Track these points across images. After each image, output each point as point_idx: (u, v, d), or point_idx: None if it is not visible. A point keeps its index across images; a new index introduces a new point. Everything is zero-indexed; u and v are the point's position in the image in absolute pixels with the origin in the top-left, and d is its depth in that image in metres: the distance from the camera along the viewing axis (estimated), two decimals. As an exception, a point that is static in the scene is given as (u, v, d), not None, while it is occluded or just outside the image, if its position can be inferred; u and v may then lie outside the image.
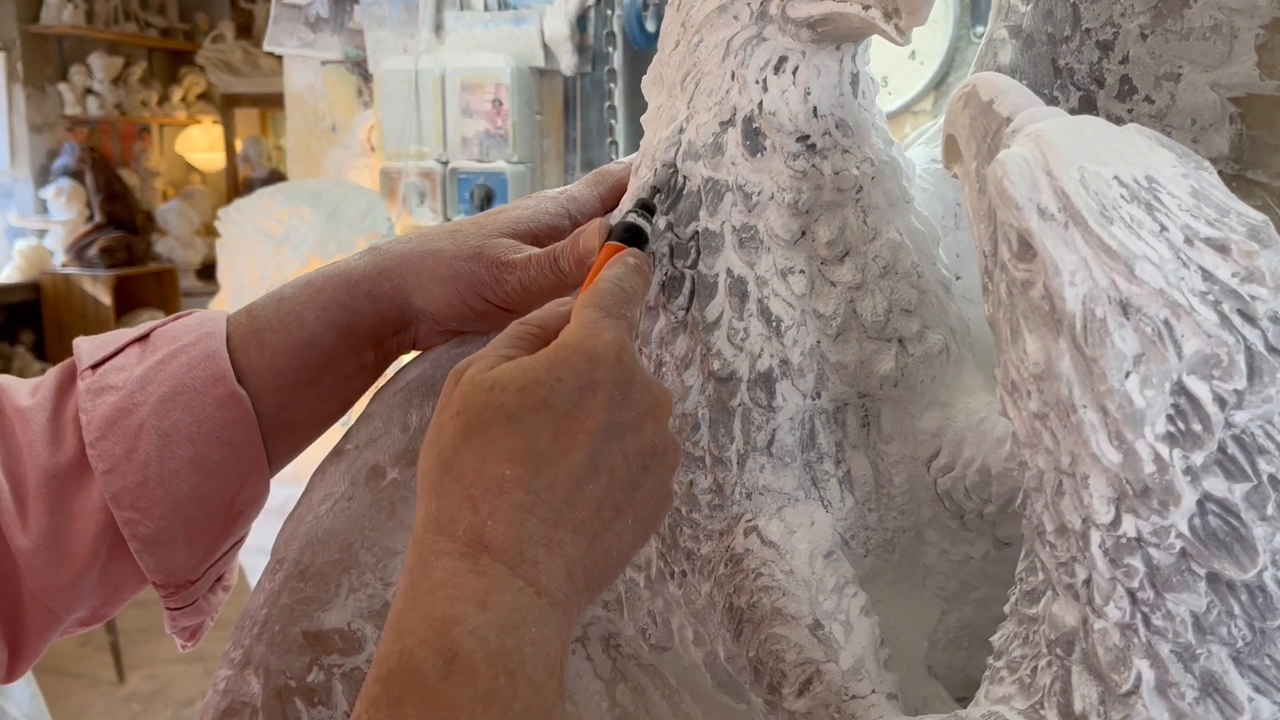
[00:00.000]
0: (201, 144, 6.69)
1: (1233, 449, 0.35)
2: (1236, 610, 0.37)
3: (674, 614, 0.61)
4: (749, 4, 0.53)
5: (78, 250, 5.70)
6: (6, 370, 5.48)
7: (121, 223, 5.83)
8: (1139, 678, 0.38)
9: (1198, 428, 0.35)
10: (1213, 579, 0.36)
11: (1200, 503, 0.36)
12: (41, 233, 5.87)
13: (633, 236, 0.53)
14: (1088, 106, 0.63)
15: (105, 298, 5.62)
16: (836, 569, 0.51)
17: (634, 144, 1.85)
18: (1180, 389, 0.35)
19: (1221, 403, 0.35)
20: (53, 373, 0.59)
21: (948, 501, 0.54)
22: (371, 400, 0.62)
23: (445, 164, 2.03)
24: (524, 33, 1.95)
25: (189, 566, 0.60)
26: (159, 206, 6.32)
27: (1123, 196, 0.36)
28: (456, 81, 1.98)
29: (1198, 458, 0.35)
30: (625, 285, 0.50)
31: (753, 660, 0.51)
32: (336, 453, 0.62)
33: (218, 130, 6.71)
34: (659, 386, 0.47)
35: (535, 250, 0.59)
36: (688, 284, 0.55)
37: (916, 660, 0.56)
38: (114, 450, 0.57)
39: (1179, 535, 0.36)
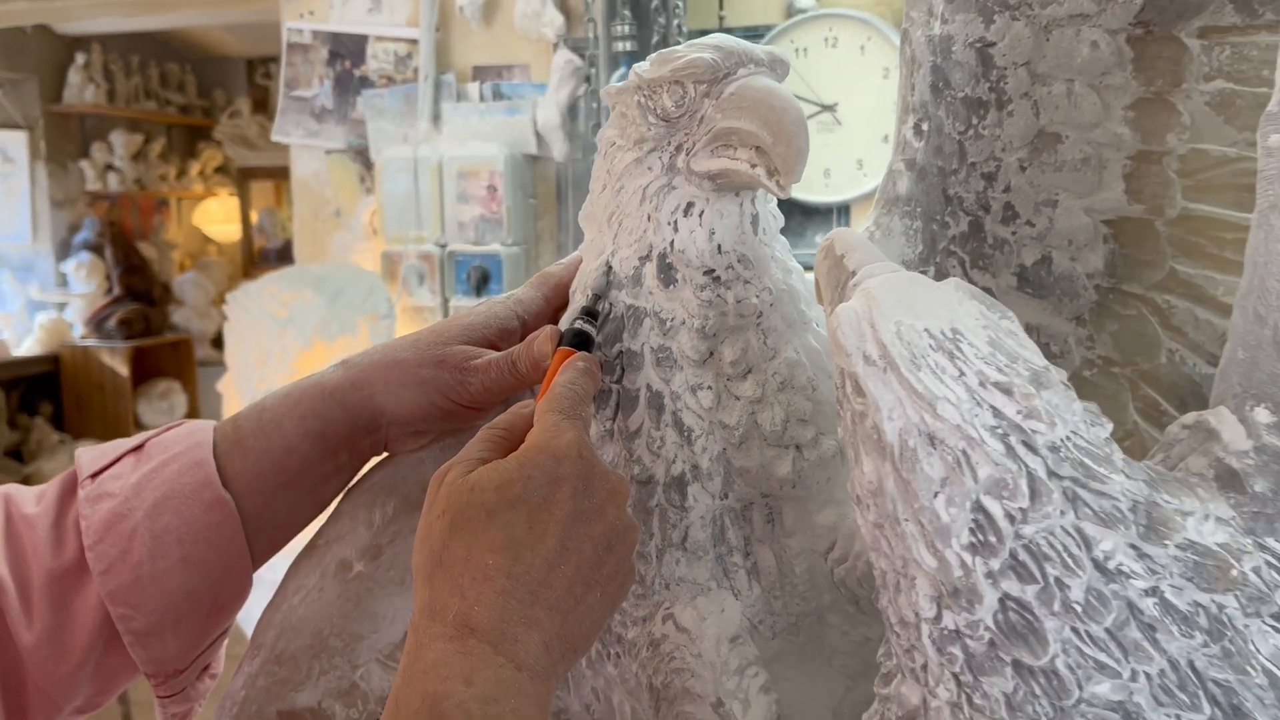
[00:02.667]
0: (218, 216, 6.84)
1: (1023, 556, 0.42)
2: (1038, 691, 0.43)
3: (614, 692, 0.67)
4: (660, 158, 0.61)
5: (97, 322, 5.82)
6: (25, 441, 5.58)
7: (139, 295, 5.95)
8: (963, 748, 0.45)
9: (993, 539, 0.42)
10: (1017, 665, 0.43)
11: (1001, 600, 0.43)
12: (61, 306, 5.99)
13: (581, 341, 0.61)
14: (976, 229, 0.71)
15: (123, 369, 5.73)
16: (740, 652, 0.58)
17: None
18: (978, 507, 0.42)
19: (1011, 518, 0.42)
20: (56, 481, 0.67)
21: (843, 589, 0.61)
22: (341, 500, 0.70)
23: (443, 247, 2.12)
24: (517, 122, 2.05)
25: (177, 657, 0.66)
26: (176, 278, 6.46)
27: (930, 346, 0.44)
28: (453, 169, 2.08)
29: (995, 564, 0.43)
30: (578, 388, 0.58)
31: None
32: (310, 548, 0.69)
33: (234, 202, 6.87)
34: (616, 476, 0.55)
35: (493, 354, 0.67)
36: (614, 398, 0.63)
37: (823, 731, 0.63)
38: (110, 552, 0.64)
39: (986, 628, 0.43)
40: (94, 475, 0.66)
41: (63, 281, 6.02)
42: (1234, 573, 0.43)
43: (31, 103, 6.03)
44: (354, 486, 0.70)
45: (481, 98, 2.12)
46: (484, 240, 2.10)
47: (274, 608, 0.68)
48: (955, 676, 0.45)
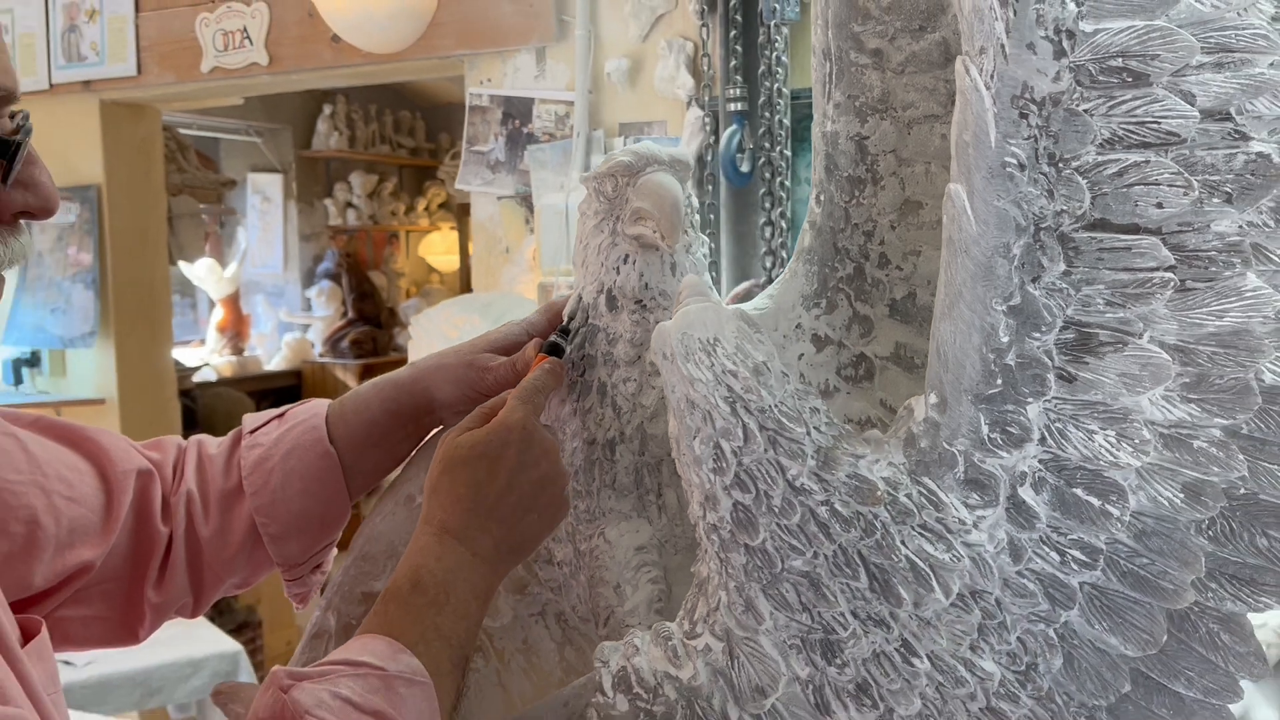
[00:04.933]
0: (440, 248, 7.49)
1: (743, 476, 0.69)
2: (759, 563, 0.70)
3: (589, 594, 0.96)
4: (608, 224, 0.90)
5: (333, 342, 6.53)
6: (271, 446, 6.32)
7: (369, 318, 6.64)
8: (720, 600, 0.72)
9: (724, 465, 0.69)
10: (746, 546, 0.70)
11: (733, 505, 0.70)
12: (305, 327, 6.74)
13: (554, 350, 0.91)
14: (859, 273, 0.96)
15: (353, 383, 6.39)
16: (641, 556, 0.86)
17: (733, 260, 2.20)
18: (716, 446, 0.69)
19: (734, 453, 0.69)
20: (230, 435, 1.02)
21: (722, 521, 0.88)
22: (411, 456, 1.02)
23: (589, 278, 2.46)
24: (654, 170, 2.36)
25: (298, 554, 0.99)
26: (402, 303, 7.13)
27: (698, 347, 0.71)
28: (599, 212, 2.41)
29: (727, 480, 0.69)
30: (537, 382, 0.87)
31: (591, 609, 0.87)
32: (391, 486, 1.02)
33: (454, 235, 7.51)
34: (550, 440, 0.84)
35: (504, 359, 0.98)
36: (578, 387, 0.92)
37: (714, 623, 0.89)
38: (257, 482, 0.98)
39: (726, 522, 0.70)
40: (251, 431, 1.01)
41: (307, 306, 6.76)
42: (880, 493, 0.68)
43: (286, 149, 6.83)
44: (419, 449, 1.02)
45: (625, 150, 2.44)
46: (623, 273, 2.43)
47: (365, 524, 1.01)
48: (716, 554, 0.72)
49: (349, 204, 7.05)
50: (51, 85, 3.21)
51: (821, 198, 0.96)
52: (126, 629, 0.96)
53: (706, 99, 2.20)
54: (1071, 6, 0.65)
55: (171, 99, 3.46)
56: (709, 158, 2.27)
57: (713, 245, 2.16)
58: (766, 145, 2.09)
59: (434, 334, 2.37)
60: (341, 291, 6.69)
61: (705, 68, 2.19)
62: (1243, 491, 0.70)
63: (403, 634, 0.73)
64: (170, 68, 3.03)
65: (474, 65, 2.66)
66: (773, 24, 2.02)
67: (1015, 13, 0.65)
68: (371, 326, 6.60)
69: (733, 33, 2.10)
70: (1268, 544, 0.70)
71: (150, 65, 3.06)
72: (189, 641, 2.24)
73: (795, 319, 0.96)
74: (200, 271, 6.05)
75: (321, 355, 6.54)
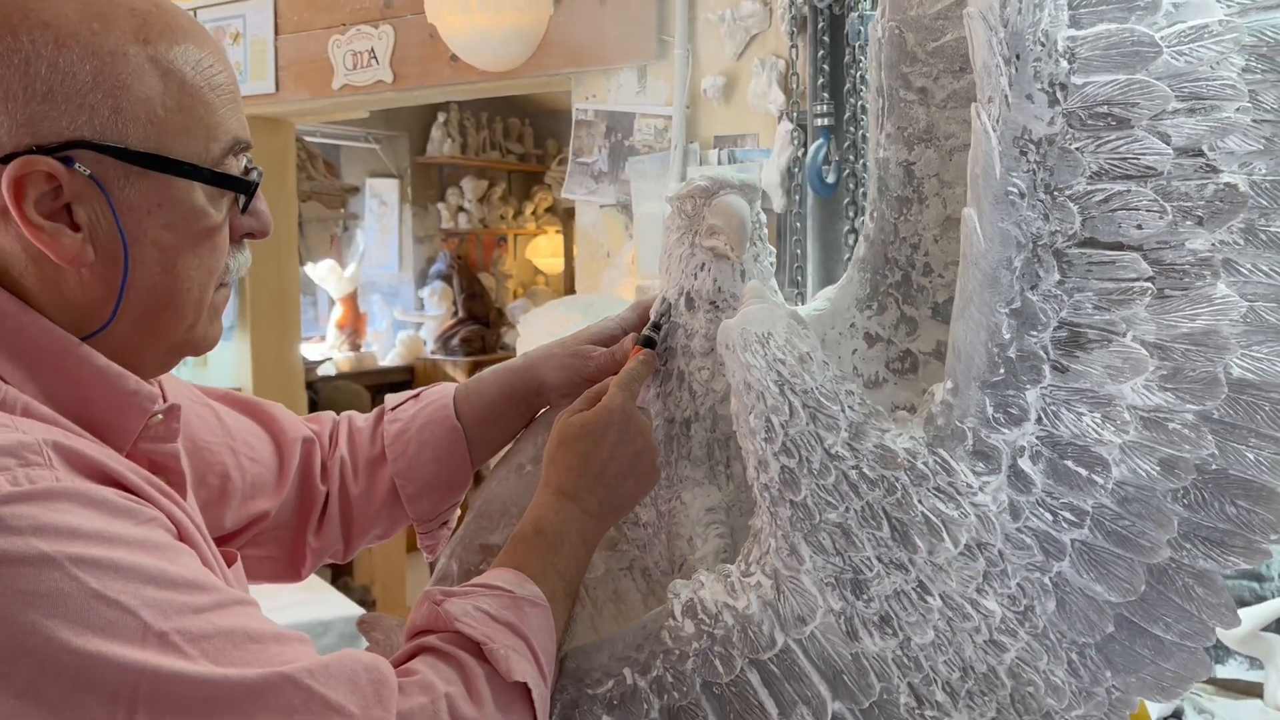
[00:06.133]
0: (546, 250, 7.74)
1: (789, 444, 0.85)
2: (802, 515, 0.86)
3: (668, 548, 1.13)
4: (688, 238, 1.07)
5: (444, 340, 6.82)
6: (385, 438, 6.63)
7: (478, 318, 6.92)
8: (769, 546, 0.88)
9: (773, 436, 0.86)
10: (790, 501, 0.86)
11: (781, 467, 0.86)
12: (418, 325, 7.04)
13: (648, 343, 1.09)
14: (906, 279, 1.11)
15: (462, 379, 6.63)
16: (711, 516, 1.03)
17: (819, 264, 2.35)
18: (768, 420, 0.86)
19: (782, 426, 0.85)
20: (375, 411, 1.22)
21: (781, 489, 1.04)
22: (522, 431, 1.21)
23: (684, 282, 2.63)
24: (747, 181, 2.52)
25: (429, 512, 1.19)
26: (509, 304, 7.40)
27: (754, 340, 0.87)
28: (694, 219, 2.58)
29: (775, 448, 0.86)
30: (634, 371, 1.05)
31: (669, 561, 1.04)
32: (506, 455, 1.21)
33: (559, 239, 7.75)
34: (645, 421, 1.02)
35: (604, 349, 1.15)
36: (661, 375, 1.09)
37: (773, 576, 1.05)
38: (397, 450, 1.17)
39: (775, 482, 0.86)
40: (392, 409, 1.21)
41: (420, 305, 7.06)
42: (900, 460, 0.84)
43: (402, 155, 7.15)
44: (529, 426, 1.21)
45: (719, 162, 2.61)
46: (715, 277, 2.59)
47: (483, 488, 1.20)
48: (767, 509, 0.88)
49: (460, 208, 7.33)
50: (198, 101, 3.51)
51: (874, 214, 1.12)
52: (292, 568, 1.16)
53: (796, 114, 2.35)
54: (1064, 64, 0.80)
55: (305, 114, 3.75)
56: (797, 169, 2.41)
57: (799, 250, 2.30)
58: (851, 158, 2.23)
59: (540, 330, 2.57)
60: (452, 292, 6.97)
61: (795, 85, 2.34)
62: (1214, 467, 0.83)
63: (527, 568, 0.91)
64: (305, 85, 3.30)
65: (580, 82, 2.86)
66: (857, 45, 2.16)
67: (1016, 69, 0.80)
68: (480, 326, 6.88)
69: (821, 52, 2.25)
70: (1236, 512, 0.84)
71: (287, 83, 3.33)
72: (319, 605, 2.49)
73: (850, 319, 1.12)
74: (322, 272, 6.39)
75: (433, 352, 6.84)
